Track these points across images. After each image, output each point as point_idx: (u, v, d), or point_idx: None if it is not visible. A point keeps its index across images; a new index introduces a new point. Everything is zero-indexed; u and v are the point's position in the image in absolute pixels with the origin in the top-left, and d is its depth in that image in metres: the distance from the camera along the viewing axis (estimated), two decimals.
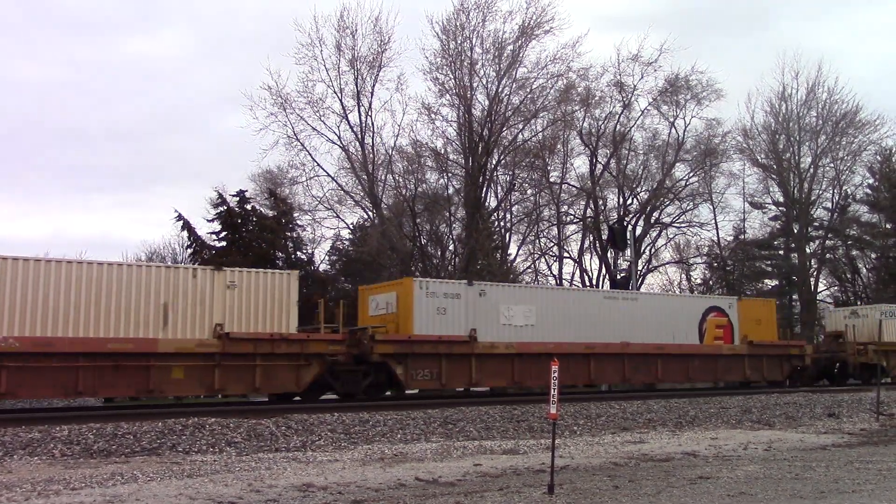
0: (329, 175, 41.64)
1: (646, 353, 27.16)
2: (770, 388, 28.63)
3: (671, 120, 47.27)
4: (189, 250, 44.63)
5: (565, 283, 47.23)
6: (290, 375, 21.03)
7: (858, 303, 48.11)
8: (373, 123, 40.98)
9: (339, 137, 40.56)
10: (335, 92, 40.03)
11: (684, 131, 47.48)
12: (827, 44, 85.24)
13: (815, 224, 55.18)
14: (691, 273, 54.40)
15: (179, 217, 43.05)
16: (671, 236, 50.77)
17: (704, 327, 29.23)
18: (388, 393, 24.46)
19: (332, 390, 22.51)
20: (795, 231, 53.30)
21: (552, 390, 9.34)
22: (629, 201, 48.42)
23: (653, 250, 50.40)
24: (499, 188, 44.84)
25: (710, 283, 53.95)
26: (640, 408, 19.45)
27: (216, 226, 43.28)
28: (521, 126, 41.84)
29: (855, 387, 30.19)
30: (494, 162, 41.90)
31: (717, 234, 52.85)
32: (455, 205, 43.90)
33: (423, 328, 23.27)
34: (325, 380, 21.83)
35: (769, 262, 57.39)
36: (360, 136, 40.43)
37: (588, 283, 47.16)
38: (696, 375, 28.90)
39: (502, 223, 46.72)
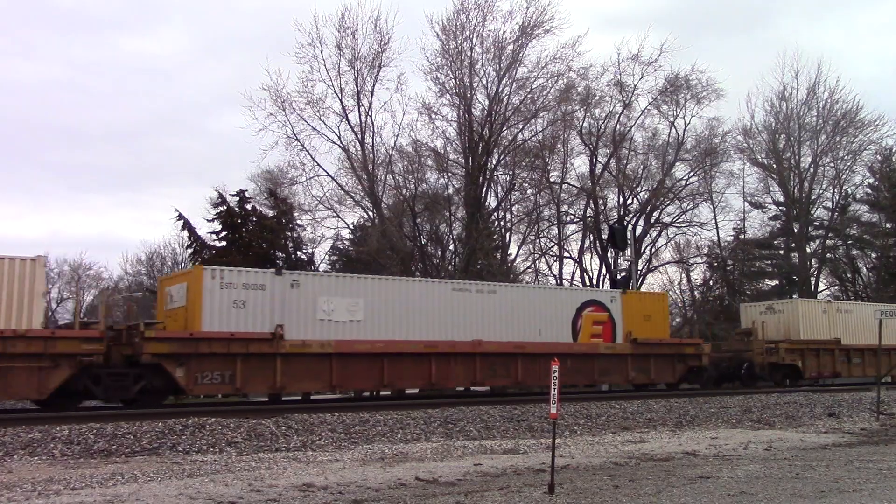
0: (329, 175, 41.68)
1: (502, 353, 24.33)
2: (653, 392, 26.47)
3: (671, 119, 47.30)
4: (189, 250, 44.63)
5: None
6: (29, 380, 17.76)
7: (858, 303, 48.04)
8: (373, 123, 41.03)
9: (339, 137, 40.60)
10: (335, 92, 40.07)
11: (684, 131, 47.53)
12: (827, 43, 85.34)
13: (816, 224, 55.19)
14: (691, 273, 54.41)
15: (180, 217, 43.03)
16: (671, 236, 50.77)
17: (580, 323, 26.40)
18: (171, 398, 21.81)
19: (95, 397, 19.38)
20: (795, 231, 53.29)
21: (553, 390, 9.34)
22: (629, 201, 48.44)
23: (653, 250, 50.39)
24: (499, 188, 44.88)
25: (710, 282, 53.95)
26: (641, 407, 19.46)
27: (216, 225, 43.23)
28: (521, 126, 41.88)
29: (855, 387, 29.98)
30: (494, 162, 41.92)
31: (718, 233, 52.89)
32: (455, 205, 43.90)
33: (216, 324, 20.34)
34: (82, 384, 18.64)
35: (769, 262, 57.39)
36: (360, 136, 40.46)
37: (588, 283, 47.18)
38: (567, 377, 25.14)
39: (502, 223, 46.74)
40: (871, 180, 56.35)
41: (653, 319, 28.04)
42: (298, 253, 45.56)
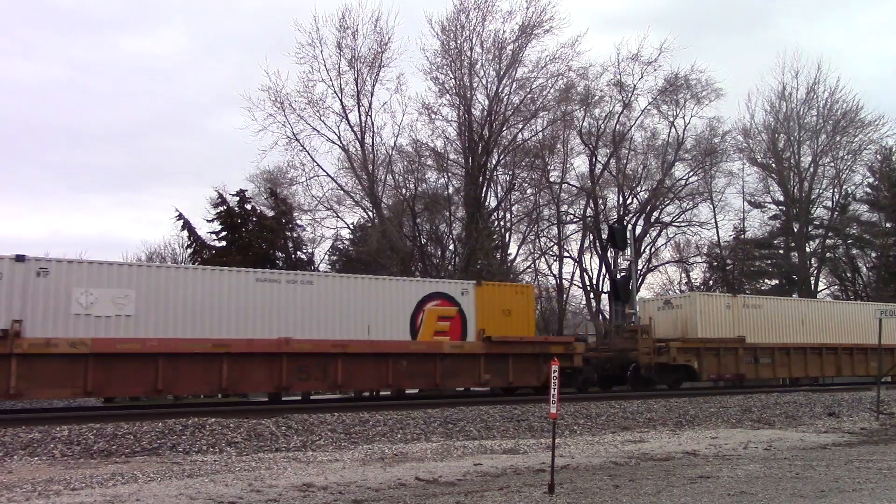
0: (329, 175, 41.70)
1: (318, 353, 21.60)
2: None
3: (671, 119, 47.31)
4: (189, 250, 44.64)
5: (564, 282, 47.24)
6: None
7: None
8: (373, 123, 41.05)
9: (339, 137, 40.61)
10: (335, 92, 40.08)
11: (684, 131, 47.55)
12: (827, 43, 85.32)
13: (816, 223, 55.19)
14: (691, 273, 54.41)
15: (180, 216, 43.07)
16: (671, 236, 50.78)
17: (421, 319, 23.60)
18: None
19: None
20: (795, 230, 53.29)
21: (552, 390, 9.35)
22: (629, 201, 48.44)
23: (653, 250, 50.41)
24: (499, 188, 44.90)
25: (710, 282, 53.92)
26: (641, 407, 19.46)
27: (216, 226, 43.28)
28: (520, 126, 41.90)
29: (854, 386, 29.96)
30: (494, 162, 41.93)
31: (717, 233, 52.89)
32: (455, 204, 43.91)
33: None
34: None
35: (769, 262, 57.39)
36: (360, 136, 40.47)
37: (588, 283, 47.23)
38: (402, 380, 23.09)
39: (502, 223, 46.74)
40: (870, 180, 56.42)
41: (514, 315, 25.05)
42: (298, 253, 45.60)
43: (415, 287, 24.42)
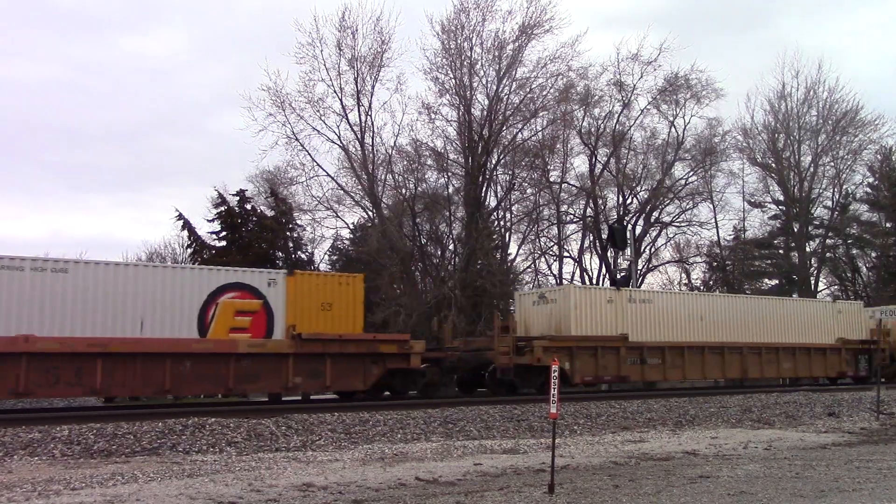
0: (329, 175, 41.65)
1: (69, 353, 18.51)
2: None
3: (671, 119, 47.29)
4: (189, 250, 44.69)
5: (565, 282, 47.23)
6: None
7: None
8: (373, 123, 40.98)
9: (339, 137, 40.55)
10: (335, 91, 40.03)
11: (684, 130, 47.52)
12: (827, 43, 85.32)
13: (815, 223, 55.19)
14: (691, 273, 54.42)
15: (180, 216, 43.11)
16: (671, 235, 50.78)
17: (213, 313, 20.75)
18: None
19: None
20: (795, 230, 53.29)
21: (552, 390, 9.35)
22: (629, 201, 48.45)
23: (653, 250, 50.41)
24: (499, 188, 44.87)
25: (710, 282, 53.94)
26: (641, 407, 19.46)
27: (216, 225, 43.33)
28: (520, 125, 41.86)
29: (853, 386, 29.91)
30: (494, 161, 41.91)
31: (717, 233, 52.91)
32: (455, 204, 43.90)
33: None
34: None
35: (769, 262, 57.40)
36: (360, 136, 40.43)
37: (588, 283, 47.19)
38: (184, 385, 20.13)
39: (502, 223, 46.74)
40: (870, 180, 56.45)
41: (336, 309, 22.26)
42: (298, 253, 45.63)
43: (206, 276, 21.25)
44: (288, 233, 44.68)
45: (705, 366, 27.42)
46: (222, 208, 42.93)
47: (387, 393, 23.45)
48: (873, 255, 56.03)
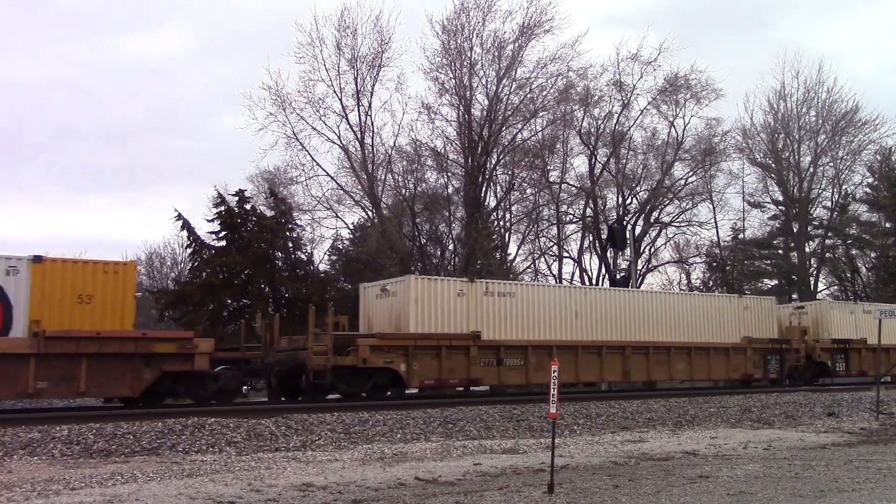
0: (329, 175, 41.70)
1: None
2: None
3: (670, 119, 47.27)
4: (188, 250, 44.60)
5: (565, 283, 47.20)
6: None
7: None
8: (373, 123, 41.01)
9: (338, 137, 40.58)
10: (335, 91, 40.05)
11: (683, 130, 47.50)
12: (827, 43, 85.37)
13: (815, 223, 55.21)
14: (691, 273, 54.43)
15: (179, 217, 42.99)
16: (671, 236, 50.78)
17: None
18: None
19: None
20: (795, 230, 53.30)
21: (552, 390, 9.35)
22: (628, 201, 48.45)
23: (652, 250, 50.41)
24: (498, 188, 44.86)
25: (710, 282, 53.93)
26: (640, 407, 19.47)
27: (216, 226, 43.23)
28: (520, 126, 41.88)
29: (853, 386, 29.86)
30: (494, 161, 41.91)
31: (717, 233, 52.89)
32: (455, 204, 43.90)
33: None
34: None
35: (768, 262, 57.41)
36: (359, 136, 40.45)
37: (588, 283, 47.17)
38: None
39: (502, 223, 46.71)
40: (870, 180, 56.42)
41: (98, 302, 19.66)
42: (298, 253, 45.58)
43: None
44: (287, 233, 44.61)
45: (579, 368, 24.42)
46: (222, 208, 42.83)
47: (169, 400, 20.79)
48: (873, 255, 56.03)
